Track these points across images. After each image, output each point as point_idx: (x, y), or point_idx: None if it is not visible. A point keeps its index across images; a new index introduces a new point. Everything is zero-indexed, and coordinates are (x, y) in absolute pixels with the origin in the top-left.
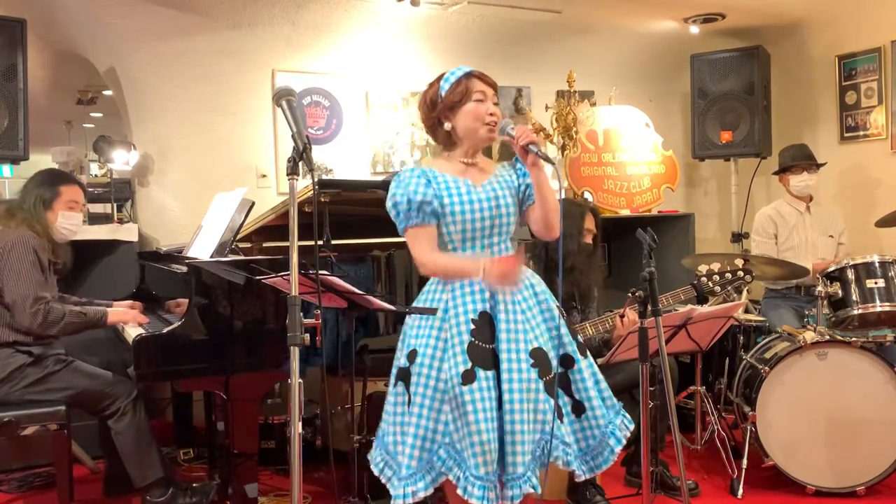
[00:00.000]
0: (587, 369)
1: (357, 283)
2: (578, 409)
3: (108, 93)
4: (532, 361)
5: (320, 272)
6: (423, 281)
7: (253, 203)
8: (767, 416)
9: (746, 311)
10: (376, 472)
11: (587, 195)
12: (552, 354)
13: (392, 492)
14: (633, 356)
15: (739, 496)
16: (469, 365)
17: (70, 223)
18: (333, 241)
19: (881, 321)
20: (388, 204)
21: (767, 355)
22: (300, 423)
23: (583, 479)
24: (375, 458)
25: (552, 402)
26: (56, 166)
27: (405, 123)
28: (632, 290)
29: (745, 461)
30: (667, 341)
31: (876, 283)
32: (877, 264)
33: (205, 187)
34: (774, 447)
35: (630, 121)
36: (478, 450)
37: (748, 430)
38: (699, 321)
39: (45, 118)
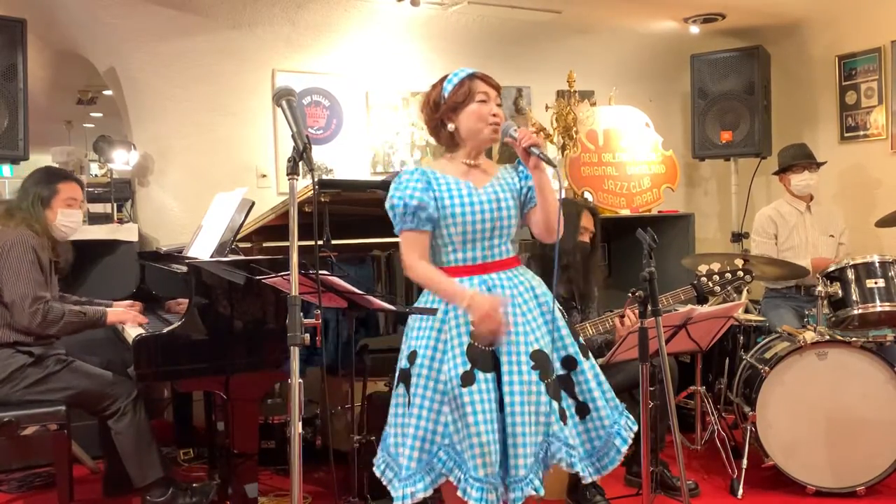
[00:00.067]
0: (590, 370)
1: (357, 283)
2: (583, 410)
3: (108, 93)
4: (533, 364)
5: (320, 272)
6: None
7: (253, 203)
8: (767, 416)
9: (746, 311)
10: (378, 475)
11: (587, 195)
12: (553, 356)
13: (393, 493)
14: (633, 356)
15: (739, 496)
16: (468, 367)
17: (69, 220)
18: (333, 241)
19: (881, 321)
20: (387, 205)
21: (767, 355)
22: (300, 423)
23: (589, 480)
24: (378, 459)
25: (554, 403)
26: (56, 166)
27: (405, 123)
28: (632, 290)
29: (745, 461)
30: (667, 341)
31: (876, 283)
32: (877, 264)
33: (205, 187)
34: (774, 447)
35: (630, 121)
36: (477, 451)
37: (748, 430)
38: (699, 321)
39: (45, 118)
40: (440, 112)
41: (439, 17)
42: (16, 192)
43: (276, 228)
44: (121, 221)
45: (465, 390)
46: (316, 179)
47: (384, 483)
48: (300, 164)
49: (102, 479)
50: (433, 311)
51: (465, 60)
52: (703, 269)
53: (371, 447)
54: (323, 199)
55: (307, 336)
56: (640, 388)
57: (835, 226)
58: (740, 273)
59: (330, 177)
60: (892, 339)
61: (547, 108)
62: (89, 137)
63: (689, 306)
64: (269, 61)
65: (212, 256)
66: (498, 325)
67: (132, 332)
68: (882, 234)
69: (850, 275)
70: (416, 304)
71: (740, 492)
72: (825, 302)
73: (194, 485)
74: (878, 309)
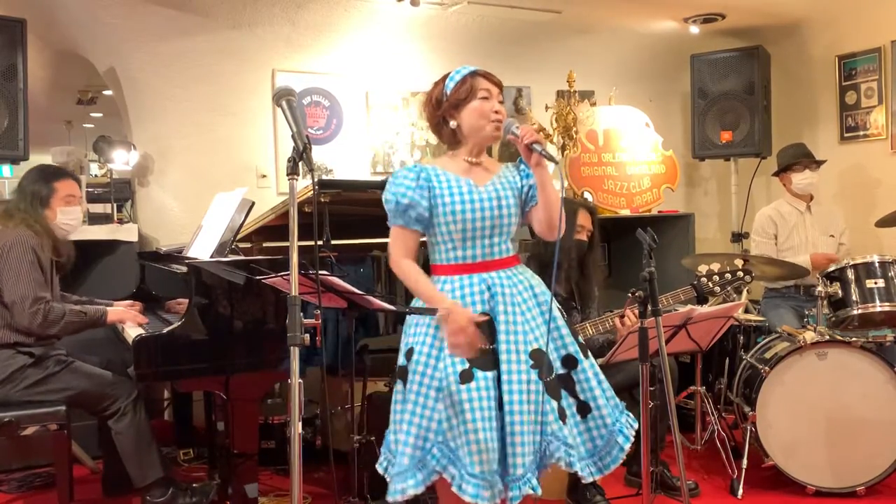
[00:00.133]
0: (590, 369)
1: (357, 283)
2: (584, 409)
3: (108, 93)
4: (532, 362)
5: (320, 272)
6: None
7: (253, 203)
8: (767, 416)
9: (746, 311)
10: (381, 471)
11: (587, 195)
12: (553, 356)
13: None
14: (633, 356)
15: (739, 496)
16: (467, 365)
17: (70, 218)
18: (333, 241)
19: (881, 321)
20: (383, 199)
21: (767, 355)
22: (300, 423)
23: (590, 480)
24: (381, 458)
25: (553, 403)
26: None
27: (405, 123)
28: (632, 290)
29: (745, 461)
30: (667, 341)
31: (876, 283)
32: (877, 264)
33: (205, 187)
34: (774, 447)
35: (630, 121)
36: (473, 448)
37: (748, 430)
38: (699, 321)
39: (45, 118)
40: (442, 109)
41: (439, 17)
42: (12, 192)
43: (276, 228)
44: (121, 221)
45: (462, 387)
46: (316, 179)
47: (387, 480)
48: (300, 164)
49: (102, 479)
50: (433, 312)
51: (465, 60)
52: (703, 269)
53: (371, 447)
54: (323, 199)
55: (307, 336)
56: (640, 388)
57: (835, 226)
58: (740, 273)
59: (330, 177)
60: (892, 339)
61: (547, 108)
62: (89, 137)
63: (689, 306)
64: (269, 61)
65: (212, 256)
66: (469, 339)
67: (132, 332)
68: (882, 234)
69: (850, 275)
70: (415, 304)
71: (740, 492)
72: (825, 302)
73: (194, 485)
74: (878, 309)
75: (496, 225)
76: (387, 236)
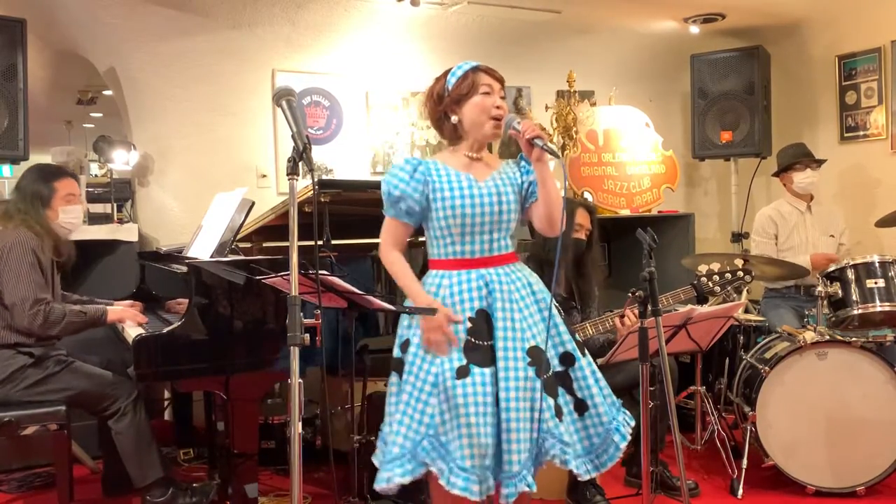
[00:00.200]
0: (587, 367)
1: (357, 283)
2: (581, 407)
3: (108, 93)
4: (529, 360)
5: (320, 272)
6: (422, 280)
7: (253, 203)
8: (767, 416)
9: (746, 311)
10: (376, 463)
11: (587, 195)
12: (551, 353)
13: None
14: (633, 356)
15: (739, 496)
16: (464, 362)
17: (71, 217)
18: (333, 241)
19: (881, 321)
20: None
21: (767, 355)
22: (300, 423)
23: (587, 478)
24: (377, 449)
25: (550, 400)
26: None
27: (405, 123)
28: (632, 290)
29: (745, 461)
30: (667, 341)
31: (876, 283)
32: (877, 264)
33: (205, 187)
34: (774, 447)
35: (630, 121)
36: (465, 442)
37: (748, 430)
38: (699, 321)
39: (45, 118)
40: (444, 104)
41: (439, 17)
42: (11, 193)
43: (276, 228)
44: (121, 221)
45: (458, 382)
46: (316, 179)
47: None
48: (300, 164)
49: (102, 479)
50: (432, 311)
51: (465, 60)
52: (703, 269)
53: (371, 447)
54: (323, 199)
55: (307, 336)
56: (640, 388)
57: (835, 226)
58: (740, 273)
59: (330, 177)
60: (892, 339)
61: (547, 108)
62: (89, 137)
63: (689, 306)
64: (269, 61)
65: (212, 256)
66: (444, 338)
67: (132, 332)
68: (882, 234)
69: (850, 275)
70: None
71: (740, 492)
72: (825, 302)
73: (194, 485)
74: (878, 309)
75: (496, 220)
76: None
